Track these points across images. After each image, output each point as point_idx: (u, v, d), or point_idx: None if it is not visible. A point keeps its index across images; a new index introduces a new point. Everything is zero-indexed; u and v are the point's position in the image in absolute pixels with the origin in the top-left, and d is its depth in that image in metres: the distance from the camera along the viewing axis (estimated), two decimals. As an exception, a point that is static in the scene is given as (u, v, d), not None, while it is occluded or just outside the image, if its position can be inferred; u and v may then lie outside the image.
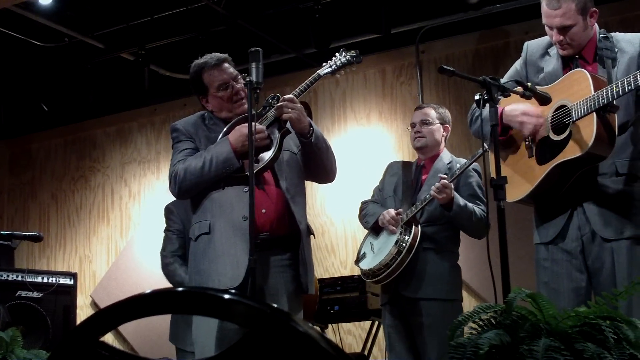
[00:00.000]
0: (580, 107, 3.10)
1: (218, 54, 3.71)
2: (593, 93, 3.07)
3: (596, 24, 3.34)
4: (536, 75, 3.41)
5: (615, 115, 3.10)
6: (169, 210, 4.84)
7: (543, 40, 3.47)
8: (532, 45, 3.53)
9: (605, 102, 3.02)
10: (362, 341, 5.97)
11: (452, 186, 4.09)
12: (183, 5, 6.54)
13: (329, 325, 5.87)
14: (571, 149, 3.13)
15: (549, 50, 3.44)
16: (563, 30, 3.25)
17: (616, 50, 3.26)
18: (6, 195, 8.54)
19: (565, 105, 3.19)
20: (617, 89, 3.00)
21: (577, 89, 3.15)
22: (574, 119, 3.13)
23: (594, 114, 3.05)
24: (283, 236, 3.49)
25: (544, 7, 3.30)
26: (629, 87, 2.97)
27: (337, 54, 3.80)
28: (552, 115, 3.25)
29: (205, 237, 3.48)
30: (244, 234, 3.38)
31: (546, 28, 3.34)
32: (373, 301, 5.35)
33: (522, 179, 3.36)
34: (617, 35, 3.32)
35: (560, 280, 3.22)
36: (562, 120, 3.21)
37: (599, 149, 3.09)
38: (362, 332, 6.19)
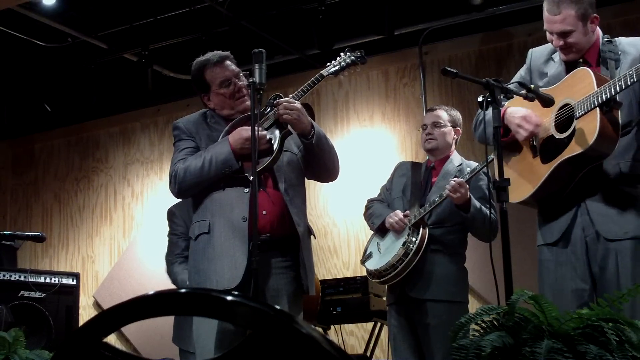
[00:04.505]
0: (584, 104, 3.11)
1: (220, 52, 3.71)
2: (596, 89, 3.07)
3: (599, 29, 3.35)
4: (540, 80, 3.42)
5: (619, 112, 3.10)
6: (171, 213, 4.83)
7: (547, 47, 3.48)
8: (536, 52, 3.54)
9: (608, 96, 3.02)
10: (364, 342, 5.98)
11: (467, 186, 4.08)
12: (186, 6, 6.55)
13: (332, 327, 5.87)
14: (575, 145, 3.12)
15: (552, 56, 3.45)
16: (563, 35, 3.26)
17: (619, 52, 3.27)
18: (9, 196, 8.55)
19: (569, 104, 3.19)
20: (620, 83, 3.00)
21: (581, 87, 3.16)
22: (578, 115, 3.13)
23: (597, 109, 3.05)
24: (283, 238, 3.48)
25: (545, 12, 3.32)
26: (632, 80, 2.97)
27: (341, 54, 3.78)
28: (556, 114, 3.24)
29: (204, 236, 3.48)
30: (243, 234, 3.38)
31: (547, 34, 3.35)
32: (375, 302, 5.36)
33: (525, 179, 3.35)
34: (621, 39, 3.34)
35: (564, 282, 3.21)
36: (566, 118, 3.21)
37: (603, 144, 3.07)
38: (365, 334, 6.19)
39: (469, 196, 4.07)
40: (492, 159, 3.93)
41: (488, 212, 4.11)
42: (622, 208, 3.16)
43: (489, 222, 4.09)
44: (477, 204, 4.11)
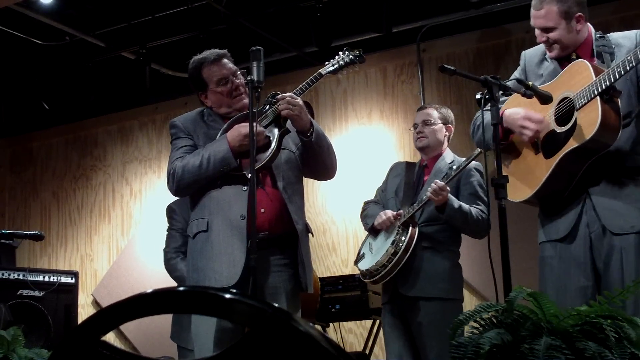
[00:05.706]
0: (583, 94, 3.09)
1: (217, 50, 3.71)
2: (595, 79, 3.06)
3: (591, 25, 3.34)
4: (536, 81, 3.40)
5: (619, 100, 3.08)
6: (171, 210, 4.85)
7: (540, 47, 3.47)
8: (530, 53, 3.53)
9: (608, 83, 3.00)
10: (363, 340, 5.98)
11: (448, 189, 4.08)
12: (184, 4, 6.54)
13: (330, 324, 5.87)
14: (577, 136, 3.09)
15: (546, 56, 3.44)
16: (545, 31, 3.27)
17: (613, 46, 3.27)
18: (7, 194, 8.54)
19: (568, 97, 3.18)
20: (619, 69, 2.98)
21: (579, 79, 3.14)
22: (578, 107, 3.11)
23: (598, 98, 3.03)
24: (281, 236, 3.48)
25: (531, 8, 3.32)
26: (630, 65, 2.96)
27: (340, 53, 3.78)
28: (556, 109, 3.23)
29: (203, 234, 3.48)
30: (241, 233, 3.38)
31: (536, 30, 3.35)
32: (374, 300, 5.35)
33: (527, 179, 3.32)
34: (612, 34, 3.34)
35: (568, 279, 3.20)
36: (566, 112, 3.19)
37: (605, 134, 3.05)
38: (364, 331, 6.19)
39: (447, 198, 4.08)
40: (477, 154, 3.95)
41: (471, 209, 4.12)
42: (628, 202, 3.14)
43: (473, 220, 4.10)
44: (456, 204, 4.10)
